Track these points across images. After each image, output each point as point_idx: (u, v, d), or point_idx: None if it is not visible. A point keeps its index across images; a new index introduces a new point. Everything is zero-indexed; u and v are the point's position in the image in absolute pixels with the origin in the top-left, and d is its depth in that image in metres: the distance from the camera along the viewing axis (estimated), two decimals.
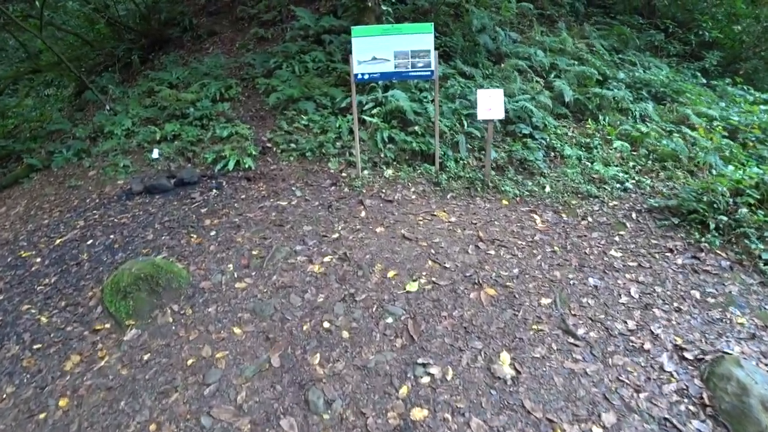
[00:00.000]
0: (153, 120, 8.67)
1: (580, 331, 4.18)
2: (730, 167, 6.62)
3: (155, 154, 7.70)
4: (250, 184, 7.00)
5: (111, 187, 7.41)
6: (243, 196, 6.61)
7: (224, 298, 4.57)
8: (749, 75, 10.70)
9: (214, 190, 6.93)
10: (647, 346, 4.10)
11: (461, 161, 7.09)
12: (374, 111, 7.61)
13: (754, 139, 7.83)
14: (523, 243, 5.36)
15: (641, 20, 11.25)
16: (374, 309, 4.32)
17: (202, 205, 6.45)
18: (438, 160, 6.72)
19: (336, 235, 5.43)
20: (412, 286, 4.56)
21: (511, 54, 9.25)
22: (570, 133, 7.89)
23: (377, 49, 6.16)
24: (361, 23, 8.37)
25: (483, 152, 7.28)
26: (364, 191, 6.43)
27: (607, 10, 11.58)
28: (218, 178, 7.37)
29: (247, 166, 7.41)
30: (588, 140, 7.68)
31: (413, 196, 6.34)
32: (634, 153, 7.55)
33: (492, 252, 5.16)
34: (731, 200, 5.68)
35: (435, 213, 5.94)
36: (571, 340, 4.10)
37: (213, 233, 5.67)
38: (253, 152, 7.56)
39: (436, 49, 6.17)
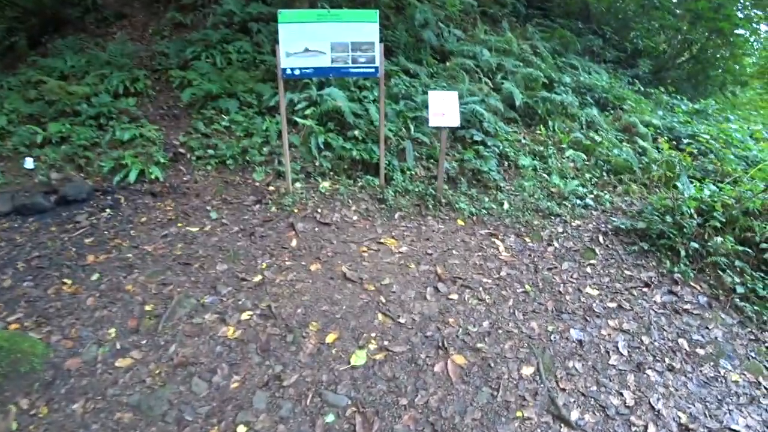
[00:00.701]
0: (37, 117, 6.68)
1: (574, 415, 3.03)
2: (691, 185, 5.73)
3: (29, 163, 5.81)
4: (155, 202, 5.33)
5: None
6: (143, 219, 4.95)
7: (98, 386, 3.03)
8: (675, 84, 10.08)
9: (108, 210, 5.20)
10: (651, 429, 3.02)
11: (408, 172, 5.76)
12: (307, 111, 6.10)
13: (696, 150, 7.02)
14: (489, 281, 4.13)
15: (580, 25, 10.34)
16: (309, 399, 2.94)
17: (88, 232, 4.74)
18: (383, 171, 5.32)
19: (258, 278, 3.96)
20: (359, 358, 3.22)
21: (456, 52, 8.00)
22: (522, 140, 6.74)
23: (311, 39, 4.67)
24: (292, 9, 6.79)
25: (432, 161, 5.99)
26: (296, 211, 4.96)
27: (546, 12, 10.59)
28: (116, 192, 5.62)
29: (153, 176, 5.71)
30: (541, 148, 6.59)
31: (355, 217, 4.94)
32: (588, 163, 6.53)
33: (455, 296, 3.89)
34: (697, 221, 4.76)
35: (382, 239, 4.58)
36: (566, 430, 2.90)
37: (95, 277, 4.02)
38: (162, 160, 5.86)
39: (381, 42, 4.75)
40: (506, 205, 5.42)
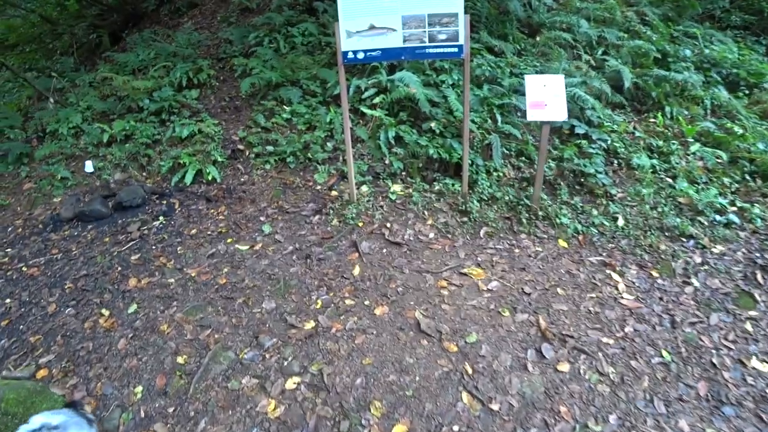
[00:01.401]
0: (108, 114, 6.06)
1: None
2: None
3: (89, 166, 5.16)
4: (208, 208, 4.47)
5: (42, 208, 4.94)
6: (193, 231, 4.10)
7: None
8: None
9: (161, 219, 4.42)
10: None
11: (495, 173, 4.47)
12: (376, 100, 4.95)
13: None
14: (611, 342, 2.85)
15: None
16: None
17: (136, 246, 3.99)
18: (466, 176, 4.07)
19: (311, 324, 2.96)
20: None
21: (548, 24, 6.42)
22: (634, 132, 5.18)
23: (377, 13, 3.47)
24: None
25: (524, 159, 4.65)
26: (360, 224, 3.88)
27: None
28: (172, 195, 4.84)
29: (210, 177, 4.86)
30: (660, 143, 5.00)
31: (431, 234, 3.78)
32: (722, 162, 4.86)
33: (566, 367, 2.67)
34: None
35: (465, 269, 3.41)
36: None
37: (132, 309, 3.25)
38: (219, 158, 4.99)
39: (465, 13, 3.44)
40: (621, 221, 4.02)
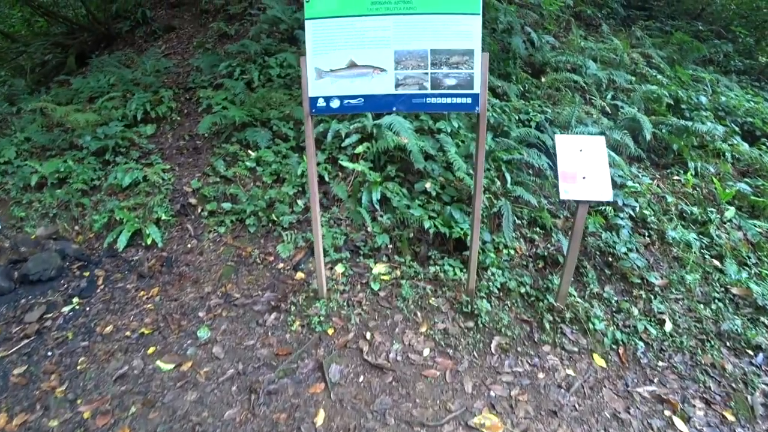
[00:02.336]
0: (49, 150, 4.68)
1: None
2: None
3: None
4: (138, 288, 3.14)
5: None
6: (109, 329, 2.78)
7: None
8: None
9: (75, 301, 3.08)
10: None
11: (505, 249, 3.20)
12: (359, 149, 3.68)
13: None
14: None
15: (700, 26, 7.19)
16: None
17: (29, 346, 2.70)
18: (474, 267, 2.77)
19: None
20: None
21: (552, 64, 5.25)
22: (660, 191, 4.00)
23: (361, 46, 2.21)
24: None
25: (537, 230, 3.41)
26: (330, 332, 2.59)
27: (650, 13, 7.50)
28: (99, 264, 3.50)
29: (149, 241, 3.52)
30: (694, 209, 3.81)
31: (426, 350, 2.51)
32: (762, 234, 3.71)
33: None
34: None
35: (475, 419, 2.11)
36: None
37: None
38: (164, 215, 3.66)
39: (484, 50, 2.18)
40: (668, 325, 2.80)
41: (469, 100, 2.21)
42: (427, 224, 3.04)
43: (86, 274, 3.41)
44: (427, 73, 2.20)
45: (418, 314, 2.72)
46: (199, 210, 3.79)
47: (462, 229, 3.07)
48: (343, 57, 2.20)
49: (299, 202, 3.63)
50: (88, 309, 3.02)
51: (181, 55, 6.59)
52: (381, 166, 3.67)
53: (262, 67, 5.10)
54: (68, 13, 7.54)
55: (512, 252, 3.27)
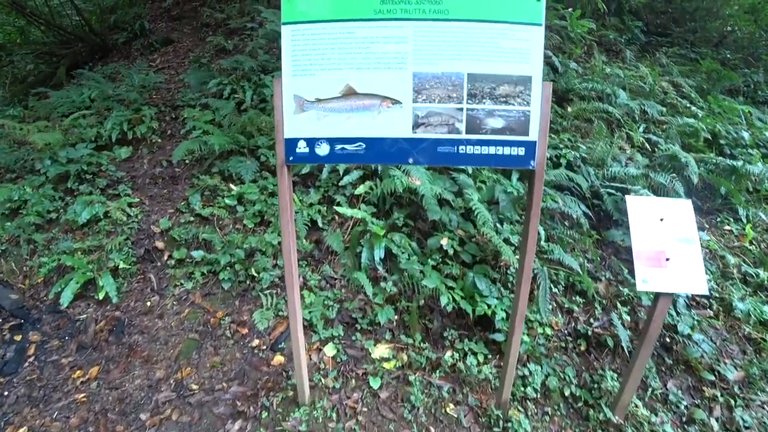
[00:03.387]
0: (10, 172, 3.88)
1: None
2: None
3: None
4: (74, 365, 2.34)
5: None
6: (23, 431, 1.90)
7: None
8: None
9: None
10: None
11: (540, 327, 2.34)
12: (359, 190, 2.85)
13: None
14: None
15: (728, 54, 6.41)
16: None
17: None
18: (513, 366, 1.91)
19: None
20: None
21: (578, 92, 4.45)
22: (715, 247, 3.17)
23: (363, 64, 1.39)
24: None
25: (577, 299, 2.56)
26: None
27: (672, 40, 6.71)
28: (39, 323, 2.71)
29: (102, 295, 2.68)
30: (758, 270, 2.96)
31: None
32: None
33: None
34: None
35: None
36: None
37: None
38: (123, 263, 2.84)
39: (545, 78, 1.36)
40: None
41: (521, 151, 1.39)
42: (444, 299, 2.20)
43: (18, 338, 2.58)
44: (461, 109, 1.38)
45: (432, 430, 1.87)
46: (166, 257, 2.96)
47: (489, 305, 2.23)
48: (336, 81, 1.39)
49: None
50: (5, 395, 2.18)
51: (175, 69, 5.82)
52: (386, 210, 2.84)
53: (256, 86, 4.31)
54: (64, 22, 6.79)
55: (549, 330, 2.42)
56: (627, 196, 1.80)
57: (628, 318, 2.55)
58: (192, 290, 2.75)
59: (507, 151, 1.38)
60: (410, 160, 1.38)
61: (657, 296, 1.75)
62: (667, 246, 1.74)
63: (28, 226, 3.26)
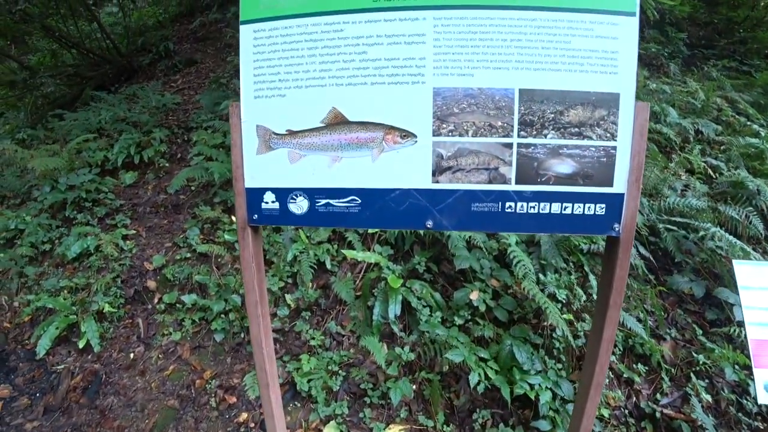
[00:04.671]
0: (16, 197, 3.60)
1: None
2: None
3: None
4: None
5: None
6: None
7: None
8: None
9: None
10: None
11: (599, 410, 1.71)
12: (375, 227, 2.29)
13: None
14: None
15: None
16: None
17: None
18: None
19: None
20: None
21: None
22: None
23: (354, 75, 0.87)
24: None
25: (637, 366, 1.94)
26: None
27: (718, 52, 5.97)
28: (14, 374, 2.35)
29: (83, 343, 2.27)
30: None
31: None
32: None
33: None
34: None
35: None
36: None
37: None
38: (109, 307, 2.42)
39: (638, 98, 0.81)
40: None
41: (601, 209, 0.86)
42: (473, 378, 1.65)
43: None
44: (509, 145, 0.87)
45: None
46: (156, 300, 2.54)
47: (531, 384, 1.67)
48: (316, 103, 0.91)
49: (288, 298, 2.32)
50: None
51: (195, 90, 5.55)
52: (406, 251, 2.33)
53: None
54: (93, 45, 6.70)
55: (605, 412, 1.83)
56: (735, 263, 1.22)
57: (709, 398, 1.92)
58: (181, 341, 2.30)
59: (579, 209, 0.86)
60: (429, 224, 0.88)
61: None
62: None
63: (21, 258, 2.93)
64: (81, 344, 2.34)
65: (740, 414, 1.92)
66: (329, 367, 1.95)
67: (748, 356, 1.97)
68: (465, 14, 0.84)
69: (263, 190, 0.96)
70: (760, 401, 1.15)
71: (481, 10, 0.84)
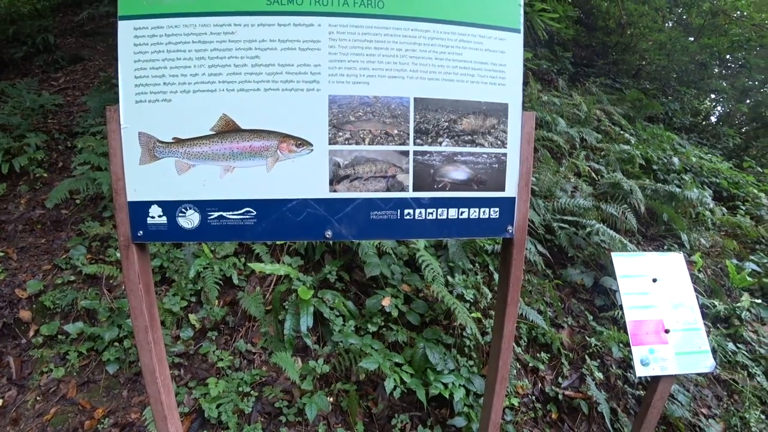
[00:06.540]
0: None
1: None
2: None
3: None
4: None
5: None
6: None
7: None
8: (759, 156, 6.33)
9: None
10: None
11: (505, 397, 1.83)
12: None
13: None
14: None
15: (648, 85, 6.60)
16: None
17: None
18: None
19: None
20: None
21: None
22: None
23: (247, 80, 0.80)
24: None
25: (540, 355, 2.13)
26: None
27: (596, 71, 6.83)
28: None
29: None
30: (717, 303, 2.73)
31: None
32: None
33: None
34: None
35: None
36: None
37: None
38: None
39: (525, 107, 0.89)
40: None
41: (495, 213, 0.91)
42: (389, 384, 1.65)
43: None
44: (406, 153, 0.88)
45: None
46: (32, 332, 2.17)
47: (445, 384, 1.72)
48: (206, 109, 0.84)
49: (192, 319, 2.13)
50: None
51: (81, 90, 4.93)
52: (316, 261, 2.27)
53: None
54: None
55: (515, 401, 1.95)
56: (614, 256, 1.38)
57: (601, 375, 2.15)
58: (65, 378, 1.99)
59: (474, 213, 0.89)
60: (328, 234, 0.86)
61: (657, 378, 1.32)
62: (665, 314, 1.33)
63: None
64: None
65: (626, 386, 2.18)
66: (240, 389, 1.82)
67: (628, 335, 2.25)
68: (360, 22, 0.84)
69: (148, 204, 0.85)
70: (638, 374, 1.30)
71: (376, 19, 0.84)
